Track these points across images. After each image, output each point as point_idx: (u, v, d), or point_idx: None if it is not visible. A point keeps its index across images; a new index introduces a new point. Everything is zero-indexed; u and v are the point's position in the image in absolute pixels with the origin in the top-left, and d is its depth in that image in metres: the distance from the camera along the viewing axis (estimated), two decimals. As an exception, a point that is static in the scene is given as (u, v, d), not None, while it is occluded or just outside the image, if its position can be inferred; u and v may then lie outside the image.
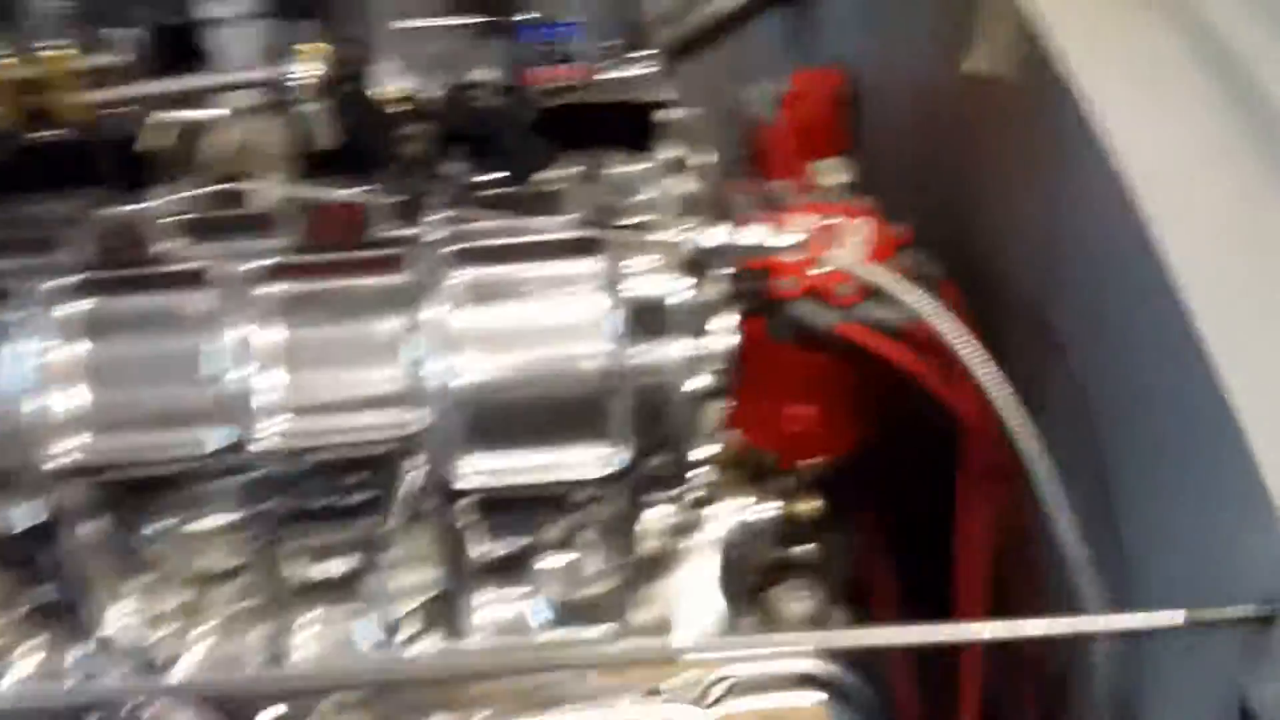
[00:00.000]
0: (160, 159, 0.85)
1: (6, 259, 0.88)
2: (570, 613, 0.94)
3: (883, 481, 1.11)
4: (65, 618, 0.93)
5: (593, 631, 0.93)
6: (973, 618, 0.99)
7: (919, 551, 1.11)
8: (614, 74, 0.81)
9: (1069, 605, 0.90)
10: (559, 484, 0.87)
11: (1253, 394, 0.65)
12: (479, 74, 0.78)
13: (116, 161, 0.84)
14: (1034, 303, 0.92)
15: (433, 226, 0.81)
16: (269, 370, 0.85)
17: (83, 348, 0.85)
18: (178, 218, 0.86)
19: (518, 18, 0.73)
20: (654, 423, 0.87)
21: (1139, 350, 0.74)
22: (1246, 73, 0.77)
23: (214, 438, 0.84)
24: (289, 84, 0.72)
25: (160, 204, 0.85)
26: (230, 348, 0.84)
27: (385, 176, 0.81)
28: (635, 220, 0.86)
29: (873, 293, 0.97)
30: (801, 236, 0.87)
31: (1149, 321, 0.73)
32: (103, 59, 0.78)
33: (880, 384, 1.03)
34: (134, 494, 0.89)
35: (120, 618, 0.94)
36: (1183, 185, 0.72)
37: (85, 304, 0.85)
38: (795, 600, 1.03)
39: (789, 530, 1.05)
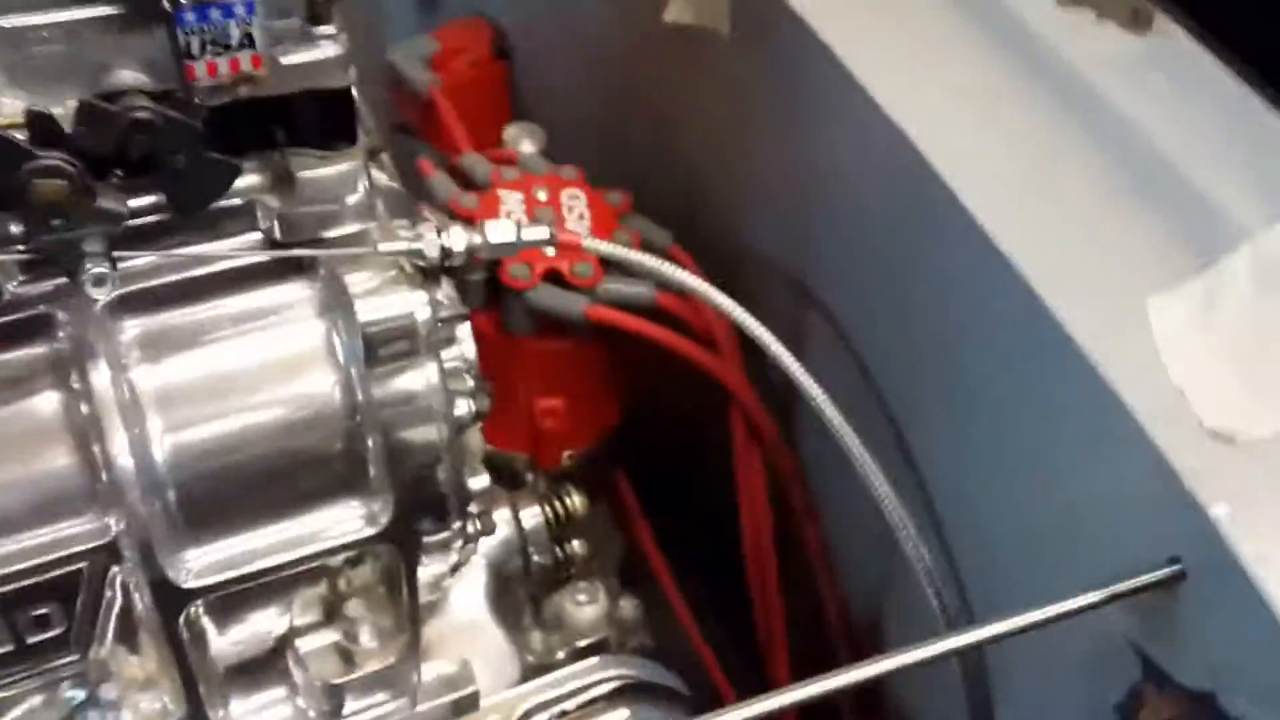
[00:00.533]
0: None
1: None
2: (345, 697, 0.80)
3: (636, 456, 1.05)
4: None
5: (382, 710, 0.81)
6: (766, 584, 0.96)
7: (687, 519, 1.07)
8: (294, 58, 0.64)
9: (854, 565, 0.89)
10: (313, 557, 0.73)
11: (1081, 311, 0.59)
12: (123, 76, 0.61)
13: None
14: (784, 257, 0.88)
15: (92, 283, 0.62)
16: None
17: None
18: None
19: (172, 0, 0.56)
20: (415, 462, 0.74)
21: (940, 286, 0.71)
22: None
23: None
24: None
25: None
26: None
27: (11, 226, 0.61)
28: (348, 230, 0.69)
29: (611, 268, 0.90)
30: (548, 230, 0.76)
31: (946, 257, 0.69)
32: None
33: (628, 361, 0.96)
34: None
35: None
36: (946, 118, 0.68)
37: None
38: (584, 603, 0.95)
39: (555, 529, 0.97)
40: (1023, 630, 0.57)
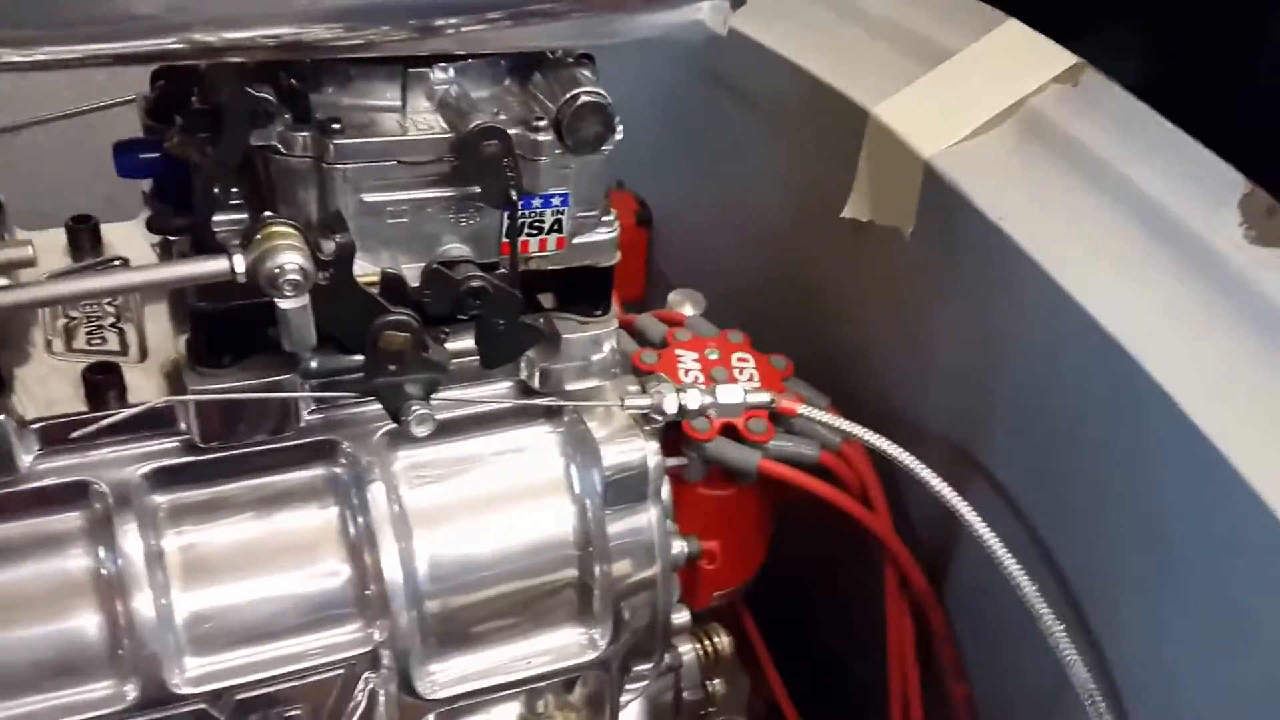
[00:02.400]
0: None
1: None
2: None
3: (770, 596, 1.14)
4: None
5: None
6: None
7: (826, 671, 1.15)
8: (581, 239, 0.74)
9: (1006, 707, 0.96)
10: (540, 677, 0.78)
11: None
12: (454, 249, 0.69)
13: None
14: (951, 430, 0.98)
15: (415, 423, 0.67)
16: (183, 596, 0.71)
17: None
18: (44, 423, 0.69)
19: (512, 190, 0.67)
20: (635, 595, 0.83)
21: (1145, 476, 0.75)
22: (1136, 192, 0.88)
23: (129, 689, 0.68)
24: (274, 276, 0.60)
25: (23, 406, 0.69)
26: (129, 574, 0.68)
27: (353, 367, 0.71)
28: (592, 384, 0.80)
29: (781, 426, 1.00)
30: (769, 395, 0.87)
31: (1156, 452, 0.73)
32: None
33: (778, 508, 1.06)
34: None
35: None
36: (1153, 324, 0.73)
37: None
38: (724, 740, 1.02)
39: (703, 668, 1.05)
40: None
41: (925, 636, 0.98)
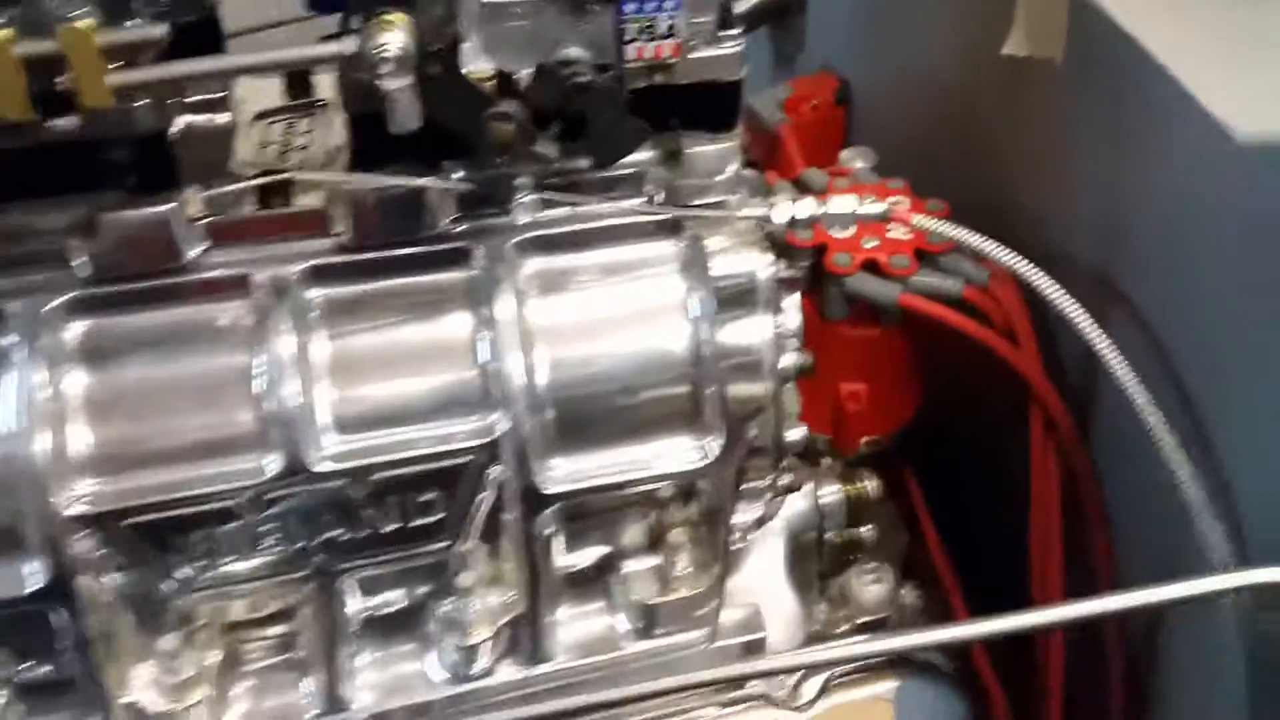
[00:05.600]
0: (189, 156, 0.81)
1: (9, 275, 0.78)
2: (657, 617, 0.92)
3: (928, 451, 1.14)
4: (82, 688, 0.86)
5: (684, 637, 0.92)
6: (1052, 584, 1.02)
7: (973, 519, 1.15)
8: (701, 53, 0.77)
9: (1145, 559, 0.95)
10: (652, 479, 0.83)
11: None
12: (572, 51, 0.73)
13: (141, 157, 0.75)
14: (1092, 260, 0.97)
15: (520, 211, 0.78)
16: (327, 381, 0.79)
17: (101, 372, 0.77)
18: (212, 219, 0.79)
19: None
20: (745, 405, 0.87)
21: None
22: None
23: (271, 463, 0.77)
24: (374, 55, 0.68)
25: (191, 203, 0.80)
26: (281, 359, 0.77)
27: (470, 162, 0.78)
28: (716, 199, 0.84)
29: (926, 264, 1.00)
30: (885, 204, 0.89)
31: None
32: (134, 34, 0.69)
33: (931, 353, 1.06)
34: (157, 539, 0.84)
35: (147, 682, 0.83)
36: (1270, 117, 0.77)
37: (104, 321, 0.78)
38: (869, 583, 1.04)
39: (849, 511, 1.07)
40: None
41: (1069, 483, 0.96)
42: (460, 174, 0.76)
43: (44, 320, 0.77)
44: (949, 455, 1.11)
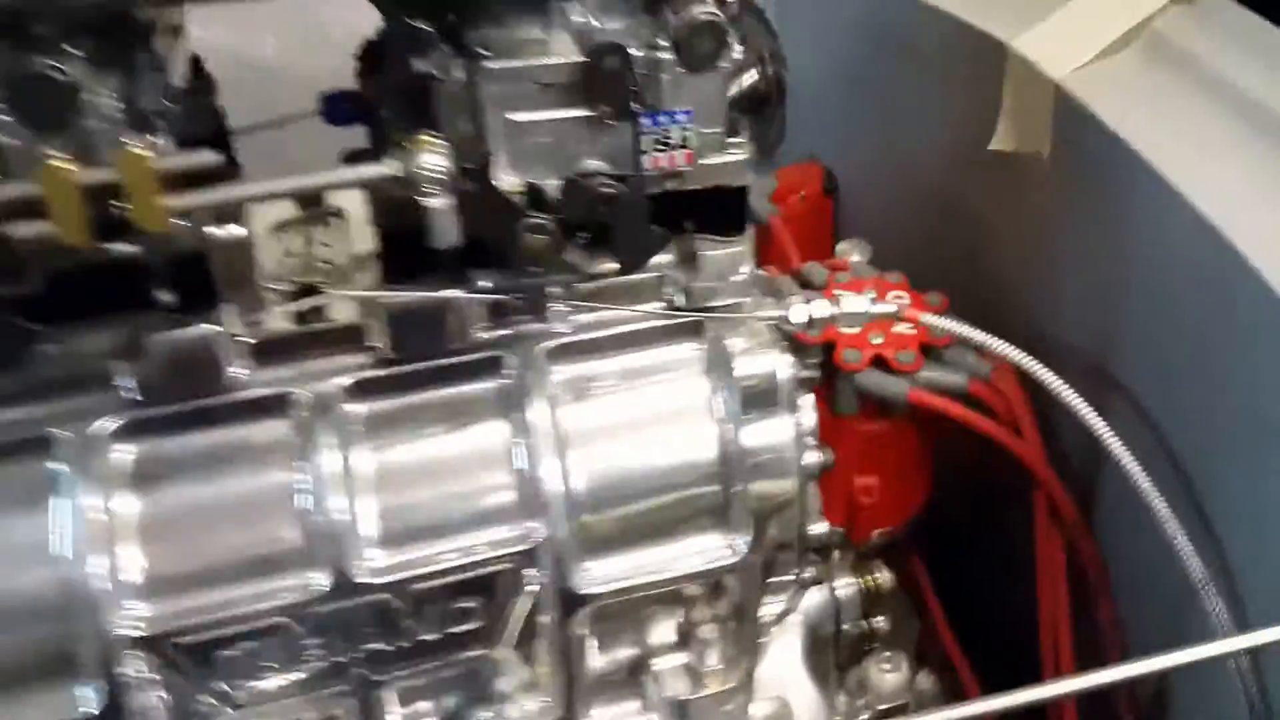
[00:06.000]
0: (216, 270, 0.80)
1: (57, 400, 0.80)
2: (690, 714, 0.94)
3: (935, 536, 1.18)
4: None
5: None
6: (1064, 656, 1.05)
7: (981, 602, 1.18)
8: (711, 160, 0.82)
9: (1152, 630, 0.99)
10: (684, 577, 0.85)
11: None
12: (591, 163, 0.78)
13: (182, 277, 0.78)
14: (1087, 347, 1.03)
15: (553, 319, 0.82)
16: (371, 495, 0.81)
17: (151, 495, 0.79)
18: (253, 338, 0.82)
19: (636, 105, 0.77)
20: (772, 502, 0.90)
21: (1249, 369, 0.82)
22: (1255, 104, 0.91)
23: (318, 579, 0.79)
24: (418, 175, 0.71)
25: (231, 321, 0.83)
26: (324, 475, 0.80)
27: (499, 272, 0.82)
28: (733, 300, 0.88)
29: (931, 358, 1.05)
30: (896, 304, 0.93)
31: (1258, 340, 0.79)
32: (187, 160, 0.72)
33: (937, 443, 1.10)
34: (202, 656, 0.84)
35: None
36: (1246, 206, 0.79)
37: (153, 444, 0.80)
38: (886, 671, 1.06)
39: (864, 602, 1.09)
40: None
41: (1074, 561, 1.00)
42: (491, 283, 0.80)
43: (93, 445, 0.78)
44: (955, 539, 1.14)
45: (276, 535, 0.81)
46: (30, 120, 0.70)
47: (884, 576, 1.05)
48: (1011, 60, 1.01)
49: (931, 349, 1.00)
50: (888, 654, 1.04)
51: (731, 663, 0.91)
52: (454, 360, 0.84)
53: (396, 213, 0.78)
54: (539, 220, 0.75)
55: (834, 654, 1.04)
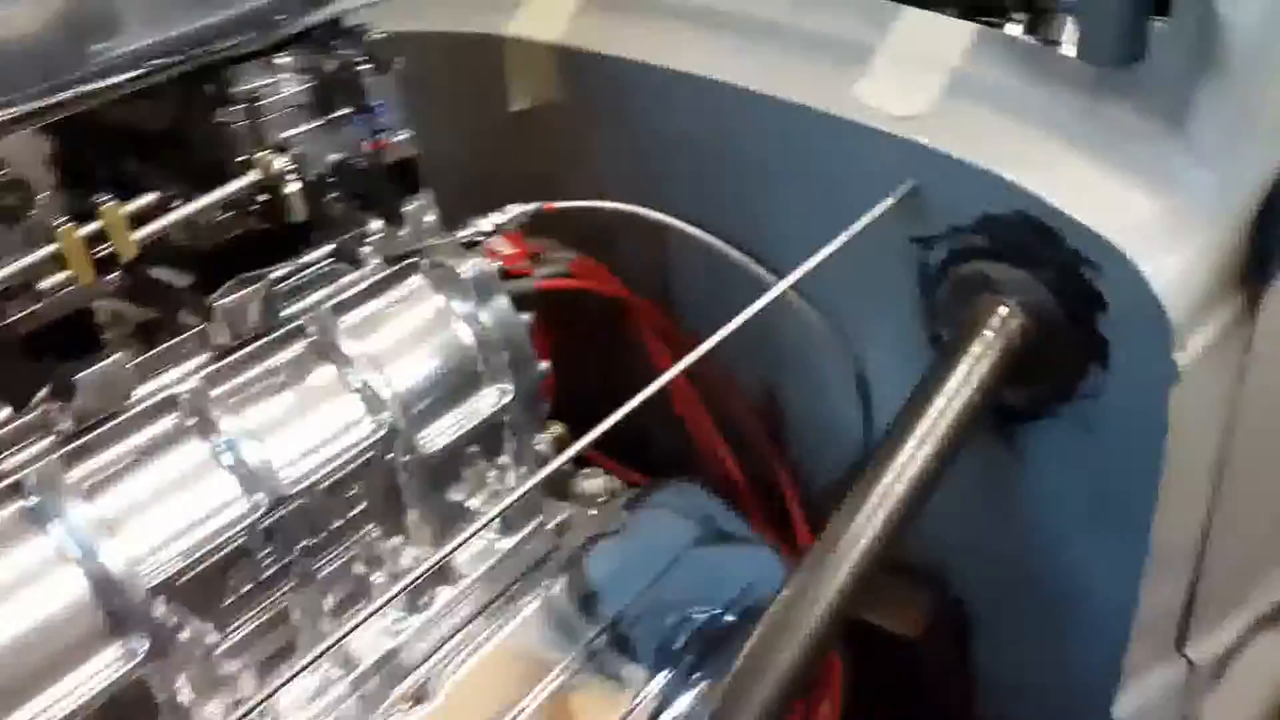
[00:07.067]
0: None
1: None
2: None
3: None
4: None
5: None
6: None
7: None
8: (399, 137, 1.23)
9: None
10: (483, 422, 1.25)
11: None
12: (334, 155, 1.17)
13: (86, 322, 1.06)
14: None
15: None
16: (258, 442, 1.10)
17: (112, 494, 1.02)
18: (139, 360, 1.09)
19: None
20: (519, 354, 1.32)
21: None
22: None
23: (258, 500, 1.07)
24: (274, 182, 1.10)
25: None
26: (233, 441, 1.09)
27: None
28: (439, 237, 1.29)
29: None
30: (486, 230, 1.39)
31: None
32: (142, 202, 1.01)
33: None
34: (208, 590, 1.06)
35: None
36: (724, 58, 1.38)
37: (99, 458, 1.02)
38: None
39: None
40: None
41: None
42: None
43: (51, 476, 1.00)
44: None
45: (215, 487, 1.09)
46: None
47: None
48: (507, 43, 1.53)
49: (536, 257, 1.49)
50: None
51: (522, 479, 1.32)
52: (275, 334, 1.17)
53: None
54: (333, 195, 1.13)
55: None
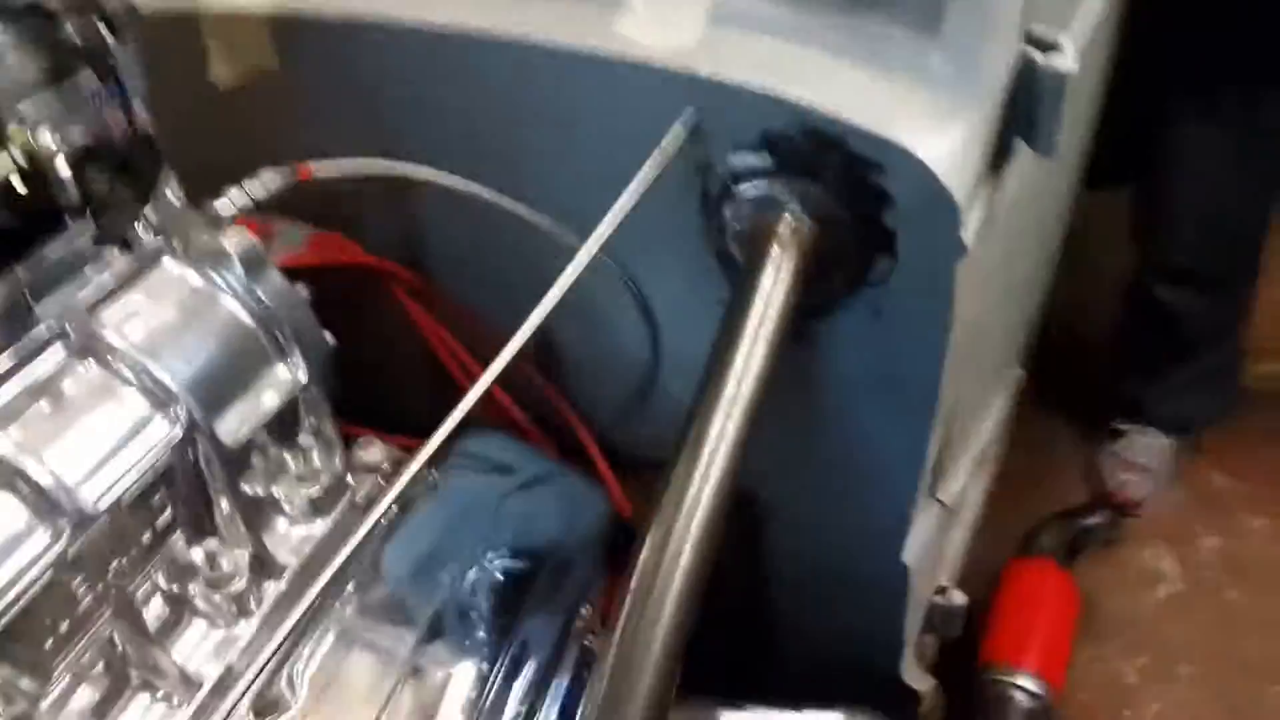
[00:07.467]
0: None
1: None
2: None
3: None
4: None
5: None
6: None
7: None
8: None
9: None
10: (279, 403, 1.16)
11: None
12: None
13: None
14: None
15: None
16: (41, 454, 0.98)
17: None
18: None
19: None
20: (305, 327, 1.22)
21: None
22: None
23: (61, 525, 0.96)
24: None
25: None
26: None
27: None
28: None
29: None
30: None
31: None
32: None
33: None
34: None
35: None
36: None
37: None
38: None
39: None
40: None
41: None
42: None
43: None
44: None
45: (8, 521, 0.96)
46: None
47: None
48: (204, 20, 1.40)
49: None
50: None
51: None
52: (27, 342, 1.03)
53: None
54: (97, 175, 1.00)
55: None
